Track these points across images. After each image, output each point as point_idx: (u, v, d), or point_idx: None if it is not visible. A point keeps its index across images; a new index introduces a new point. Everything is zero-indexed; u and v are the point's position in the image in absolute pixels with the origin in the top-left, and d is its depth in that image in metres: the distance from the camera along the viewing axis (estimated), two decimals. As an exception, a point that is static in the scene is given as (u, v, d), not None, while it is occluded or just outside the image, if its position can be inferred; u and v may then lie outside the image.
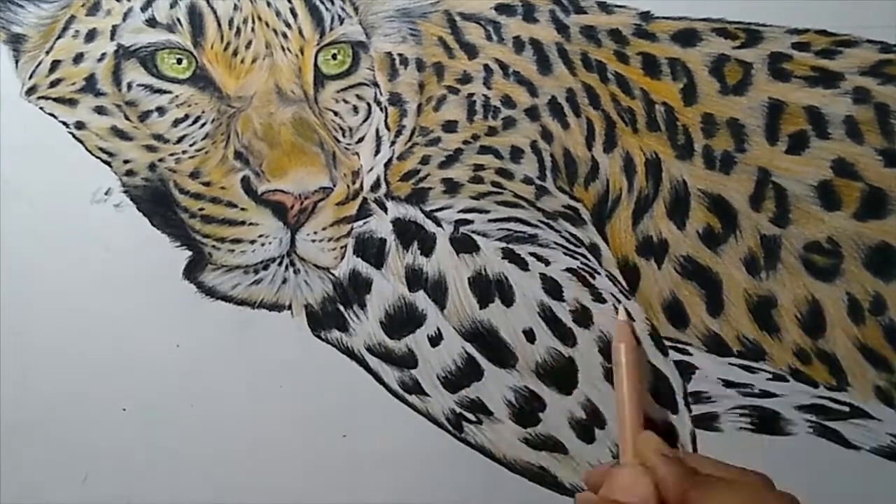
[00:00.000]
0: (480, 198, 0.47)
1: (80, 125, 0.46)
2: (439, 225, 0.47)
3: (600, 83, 0.49)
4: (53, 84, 0.45)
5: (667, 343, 0.47)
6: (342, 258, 0.46)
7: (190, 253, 0.45)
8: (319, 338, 0.46)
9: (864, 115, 0.48)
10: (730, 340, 0.47)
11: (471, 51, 0.48)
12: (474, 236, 0.47)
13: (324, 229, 0.46)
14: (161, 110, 0.45)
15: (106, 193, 0.46)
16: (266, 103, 0.45)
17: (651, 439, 0.40)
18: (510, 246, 0.47)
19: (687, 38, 0.49)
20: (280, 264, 0.45)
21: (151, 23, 0.45)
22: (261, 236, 0.45)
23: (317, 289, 0.46)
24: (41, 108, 0.46)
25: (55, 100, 0.46)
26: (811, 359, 0.46)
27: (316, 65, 0.46)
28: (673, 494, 0.36)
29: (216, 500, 0.45)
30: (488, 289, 0.46)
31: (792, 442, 0.46)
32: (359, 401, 0.46)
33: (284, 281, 0.45)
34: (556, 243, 0.47)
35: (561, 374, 0.45)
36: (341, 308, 0.46)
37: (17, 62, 0.46)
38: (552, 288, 0.46)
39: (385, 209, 0.47)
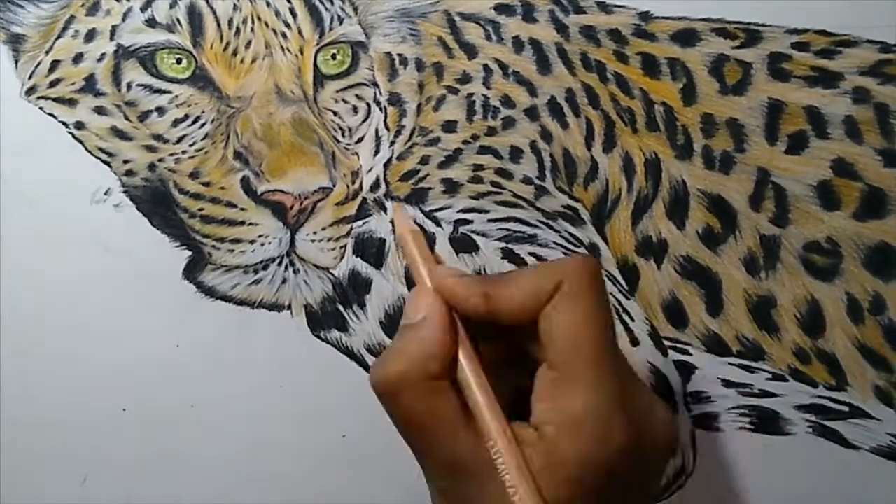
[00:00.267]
0: (480, 198, 0.47)
1: (79, 125, 0.46)
2: (439, 225, 0.47)
3: (600, 83, 0.49)
4: (53, 84, 0.45)
5: (666, 343, 0.47)
6: (342, 258, 0.46)
7: (189, 253, 0.45)
8: (319, 338, 0.46)
9: (863, 114, 0.48)
10: (729, 340, 0.47)
11: (470, 51, 0.48)
12: (474, 236, 0.47)
13: (323, 229, 0.46)
14: (161, 110, 0.45)
15: (105, 193, 0.46)
16: (265, 103, 0.45)
17: (447, 268, 0.36)
18: (510, 246, 0.47)
19: (686, 37, 0.49)
20: (280, 264, 0.45)
21: (151, 23, 0.45)
22: (260, 236, 0.45)
23: (316, 289, 0.46)
24: (41, 108, 0.46)
25: (55, 100, 0.46)
26: (810, 359, 0.46)
27: (315, 65, 0.46)
28: (464, 299, 0.33)
29: (216, 500, 0.45)
30: (488, 289, 0.46)
31: (791, 442, 0.46)
32: (358, 401, 0.46)
33: (284, 281, 0.45)
34: (555, 243, 0.47)
35: (560, 374, 0.45)
36: (341, 308, 0.46)
37: (16, 62, 0.46)
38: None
39: (384, 209, 0.47)
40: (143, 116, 0.45)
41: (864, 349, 0.46)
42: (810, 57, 0.49)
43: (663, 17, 0.49)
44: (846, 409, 0.46)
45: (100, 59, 0.45)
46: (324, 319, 0.46)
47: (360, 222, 0.46)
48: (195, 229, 0.45)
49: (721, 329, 0.47)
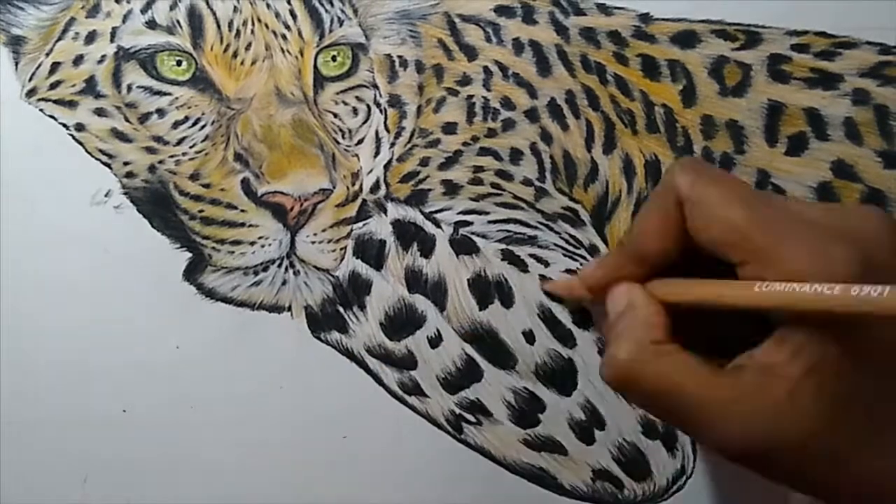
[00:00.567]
0: (480, 199, 0.48)
1: (79, 127, 0.45)
2: (439, 226, 0.47)
3: (600, 85, 0.49)
4: (53, 86, 0.45)
5: (666, 344, 0.47)
6: (342, 260, 0.46)
7: (190, 255, 0.45)
8: (319, 339, 0.46)
9: (863, 116, 0.48)
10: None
11: (470, 52, 0.48)
12: (474, 238, 0.47)
13: (323, 231, 0.46)
14: (161, 112, 0.45)
15: (106, 195, 0.46)
16: (266, 105, 0.45)
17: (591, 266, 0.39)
18: (510, 247, 0.47)
19: (686, 39, 0.49)
20: (280, 266, 0.45)
21: (151, 25, 0.45)
22: (260, 238, 0.45)
23: (316, 290, 0.46)
24: (41, 110, 0.46)
25: (55, 102, 0.46)
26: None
27: (315, 67, 0.46)
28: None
29: (216, 500, 0.45)
30: (488, 290, 0.46)
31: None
32: (358, 402, 0.46)
33: (284, 282, 0.45)
34: (555, 245, 0.47)
35: (560, 376, 0.45)
36: (341, 309, 0.46)
37: (16, 64, 0.46)
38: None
39: (385, 211, 0.47)
40: (144, 118, 0.45)
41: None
42: (810, 59, 0.49)
43: (663, 19, 0.49)
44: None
45: (100, 61, 0.45)
46: (324, 321, 0.46)
47: (360, 224, 0.46)
48: (195, 231, 0.45)
49: (722, 330, 0.47)
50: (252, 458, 0.45)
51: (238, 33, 0.46)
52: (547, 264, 0.46)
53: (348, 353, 0.46)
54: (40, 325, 0.45)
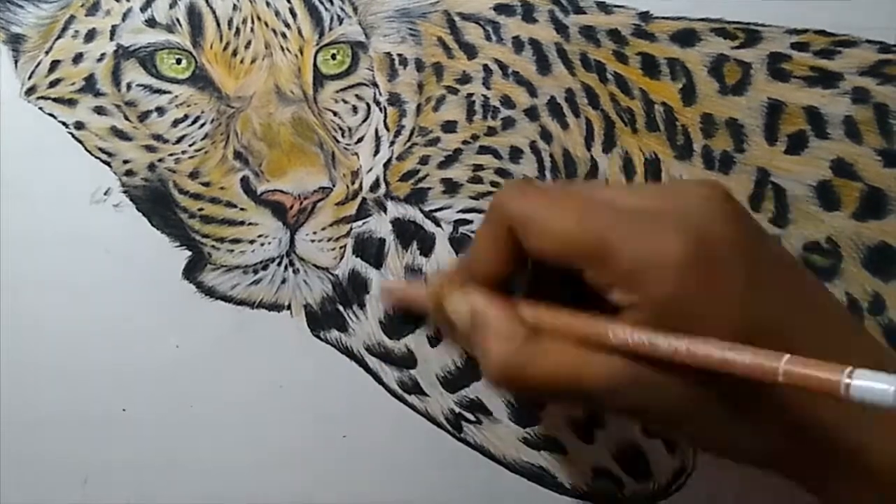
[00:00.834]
0: (480, 198, 0.47)
1: (79, 125, 0.45)
2: (438, 225, 0.47)
3: (599, 83, 0.49)
4: (53, 84, 0.45)
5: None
6: (341, 258, 0.46)
7: (189, 253, 0.45)
8: (319, 338, 0.46)
9: (863, 115, 0.48)
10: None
11: (470, 51, 0.48)
12: (474, 236, 0.47)
13: (323, 229, 0.46)
14: (160, 110, 0.45)
15: (105, 193, 0.46)
16: (265, 103, 0.45)
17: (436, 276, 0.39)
18: (509, 246, 0.47)
19: (686, 38, 0.49)
20: (279, 264, 0.45)
21: (151, 23, 0.45)
22: (260, 236, 0.45)
23: (316, 289, 0.46)
24: (40, 109, 0.46)
25: (54, 100, 0.46)
26: (810, 358, 0.46)
27: (315, 65, 0.46)
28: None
29: (216, 500, 0.45)
30: (488, 289, 0.46)
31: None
32: (358, 401, 0.46)
33: (284, 281, 0.45)
34: (555, 243, 0.47)
35: (560, 374, 0.45)
36: (340, 308, 0.46)
37: (16, 62, 0.46)
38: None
39: (384, 209, 0.47)
40: (143, 116, 0.45)
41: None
42: (810, 57, 0.49)
43: (663, 18, 0.49)
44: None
45: (100, 59, 0.45)
46: (323, 319, 0.46)
47: (359, 222, 0.46)
48: (195, 229, 0.45)
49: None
50: (252, 457, 0.45)
51: (238, 31, 0.46)
52: (547, 263, 0.46)
53: (348, 352, 0.46)
54: (40, 325, 0.45)
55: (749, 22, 0.49)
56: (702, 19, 0.49)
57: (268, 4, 0.46)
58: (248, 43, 0.46)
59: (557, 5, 0.49)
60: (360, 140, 0.47)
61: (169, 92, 0.45)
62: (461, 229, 0.47)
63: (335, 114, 0.47)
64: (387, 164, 0.48)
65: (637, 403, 0.32)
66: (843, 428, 0.31)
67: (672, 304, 0.30)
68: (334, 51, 0.47)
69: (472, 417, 0.46)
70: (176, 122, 0.45)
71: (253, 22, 0.46)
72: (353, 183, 0.46)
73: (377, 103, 0.48)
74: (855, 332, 0.35)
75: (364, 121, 0.47)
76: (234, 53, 0.45)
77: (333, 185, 0.45)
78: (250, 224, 0.45)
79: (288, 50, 0.46)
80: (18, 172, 0.45)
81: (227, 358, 0.45)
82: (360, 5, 0.48)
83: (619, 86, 0.49)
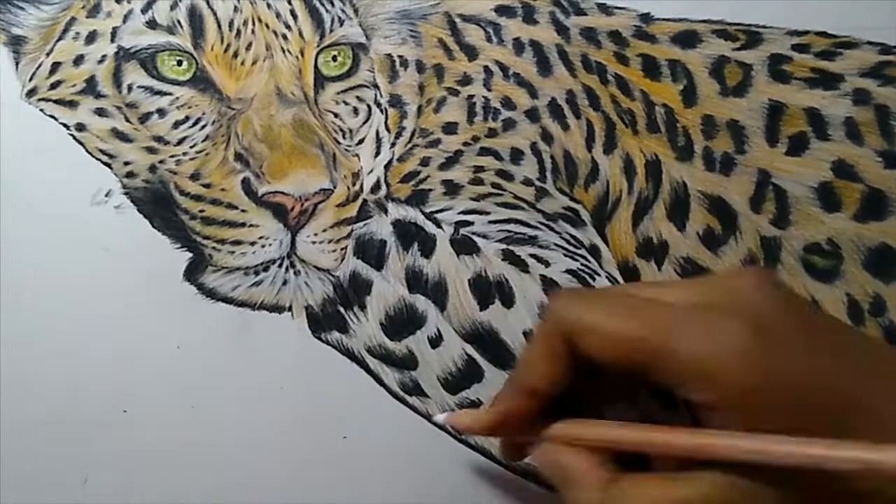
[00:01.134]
0: (480, 199, 0.47)
1: (80, 127, 0.45)
2: (439, 226, 0.47)
3: (600, 85, 0.49)
4: (54, 86, 0.45)
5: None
6: (342, 260, 0.46)
7: (190, 255, 0.45)
8: (320, 339, 0.46)
9: (864, 116, 0.48)
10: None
11: (471, 52, 0.48)
12: (474, 238, 0.47)
13: (324, 231, 0.46)
14: (161, 112, 0.45)
15: (106, 195, 0.46)
16: (266, 105, 0.45)
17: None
18: (510, 247, 0.47)
19: (687, 39, 0.49)
20: (280, 266, 0.45)
21: (152, 25, 0.45)
22: (261, 238, 0.45)
23: (317, 290, 0.46)
24: (41, 110, 0.46)
25: (55, 102, 0.46)
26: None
27: (316, 66, 0.46)
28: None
29: (216, 500, 0.45)
30: (489, 290, 0.46)
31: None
32: (359, 402, 0.46)
33: (285, 282, 0.45)
34: (556, 245, 0.47)
35: (561, 376, 0.45)
36: (341, 310, 0.46)
37: (17, 64, 0.46)
38: (552, 289, 0.46)
39: (385, 211, 0.47)
40: (144, 118, 0.45)
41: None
42: (811, 58, 0.49)
43: (664, 19, 0.49)
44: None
45: (100, 61, 0.45)
46: (324, 321, 0.46)
47: (360, 224, 0.46)
48: (196, 231, 0.45)
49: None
50: (252, 458, 0.45)
51: (239, 33, 0.46)
52: (547, 264, 0.46)
53: (349, 353, 0.46)
54: (40, 325, 0.45)
55: (750, 23, 0.49)
56: (703, 21, 0.49)
57: (269, 6, 0.46)
58: (249, 45, 0.46)
59: (558, 7, 0.49)
60: (360, 141, 0.47)
61: (170, 94, 0.45)
62: (462, 231, 0.47)
63: (336, 115, 0.47)
64: (388, 166, 0.48)
65: None
66: None
67: (744, 393, 0.30)
68: (335, 52, 0.47)
69: (472, 419, 0.46)
70: (177, 124, 0.45)
71: (254, 24, 0.46)
72: (353, 184, 0.46)
73: (378, 105, 0.48)
74: None
75: (365, 122, 0.47)
76: (235, 55, 0.45)
77: (334, 187, 0.45)
78: (251, 226, 0.45)
79: (289, 51, 0.46)
80: (19, 174, 0.45)
81: (228, 359, 0.45)
82: (361, 7, 0.48)
83: (620, 87, 0.49)
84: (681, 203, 0.48)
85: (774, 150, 0.48)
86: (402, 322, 0.46)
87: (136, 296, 0.45)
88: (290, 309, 0.46)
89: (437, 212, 0.47)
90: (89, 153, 0.46)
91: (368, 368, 0.46)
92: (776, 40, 0.49)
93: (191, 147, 0.45)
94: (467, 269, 0.46)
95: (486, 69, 0.48)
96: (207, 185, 0.45)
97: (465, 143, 0.48)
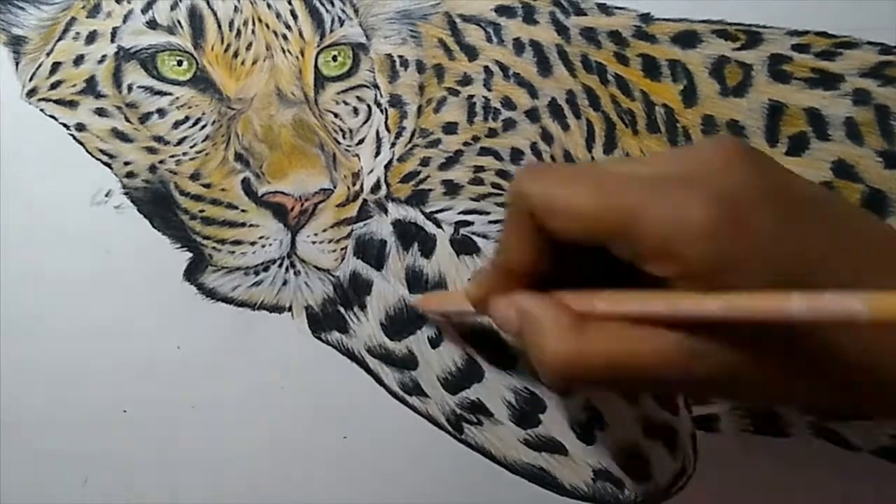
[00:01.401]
0: (481, 199, 0.47)
1: (80, 127, 0.46)
2: (440, 226, 0.47)
3: (600, 85, 0.49)
4: (54, 86, 0.45)
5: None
6: (342, 260, 0.46)
7: (190, 255, 0.45)
8: (320, 339, 0.46)
9: (864, 116, 0.48)
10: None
11: (471, 52, 0.48)
12: (475, 238, 0.47)
13: (324, 231, 0.46)
14: (161, 112, 0.45)
15: (106, 195, 0.46)
16: (266, 105, 0.45)
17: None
18: (510, 247, 0.47)
19: (687, 39, 0.49)
20: (280, 266, 0.45)
21: (152, 25, 0.45)
22: (261, 238, 0.45)
23: (317, 290, 0.46)
24: (41, 110, 0.46)
25: (55, 102, 0.46)
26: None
27: (316, 66, 0.46)
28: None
29: (216, 500, 0.45)
30: (488, 290, 0.46)
31: (792, 443, 0.46)
32: (359, 402, 0.46)
33: (285, 283, 0.45)
34: (556, 245, 0.47)
35: (561, 376, 0.45)
36: (341, 310, 0.46)
37: (17, 64, 0.46)
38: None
39: (385, 211, 0.47)
40: (144, 118, 0.45)
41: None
42: (811, 59, 0.49)
43: (664, 19, 0.49)
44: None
45: (101, 61, 0.45)
46: (324, 321, 0.46)
47: (360, 224, 0.46)
48: (196, 231, 0.45)
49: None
50: (252, 458, 0.45)
51: (239, 33, 0.46)
52: (547, 264, 0.46)
53: (349, 353, 0.46)
54: (40, 325, 0.45)
55: (750, 23, 0.49)
56: (703, 21, 0.49)
57: (269, 6, 0.46)
58: (249, 45, 0.46)
59: (558, 7, 0.49)
60: (361, 142, 0.47)
61: (170, 94, 0.45)
62: (462, 231, 0.47)
63: (336, 115, 0.47)
64: (388, 166, 0.48)
65: (698, 375, 0.30)
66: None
67: (709, 266, 0.29)
68: (335, 52, 0.47)
69: (472, 419, 0.46)
70: (177, 124, 0.45)
71: (254, 24, 0.46)
72: (353, 184, 0.46)
73: (378, 105, 0.48)
74: None
75: (365, 122, 0.47)
76: (235, 55, 0.45)
77: (334, 187, 0.45)
78: (251, 226, 0.45)
79: (289, 52, 0.46)
80: (19, 174, 0.45)
81: (228, 359, 0.45)
82: (362, 7, 0.48)
83: (620, 87, 0.49)
84: (681, 203, 0.48)
85: (774, 150, 0.48)
86: (402, 322, 0.46)
87: (136, 296, 0.45)
88: (290, 309, 0.46)
89: (438, 212, 0.47)
90: (89, 153, 0.46)
91: (368, 368, 0.46)
92: (776, 40, 0.49)
93: (191, 147, 0.45)
94: (467, 269, 0.46)
95: (487, 69, 0.48)
96: (207, 185, 0.45)
97: (466, 143, 0.48)
